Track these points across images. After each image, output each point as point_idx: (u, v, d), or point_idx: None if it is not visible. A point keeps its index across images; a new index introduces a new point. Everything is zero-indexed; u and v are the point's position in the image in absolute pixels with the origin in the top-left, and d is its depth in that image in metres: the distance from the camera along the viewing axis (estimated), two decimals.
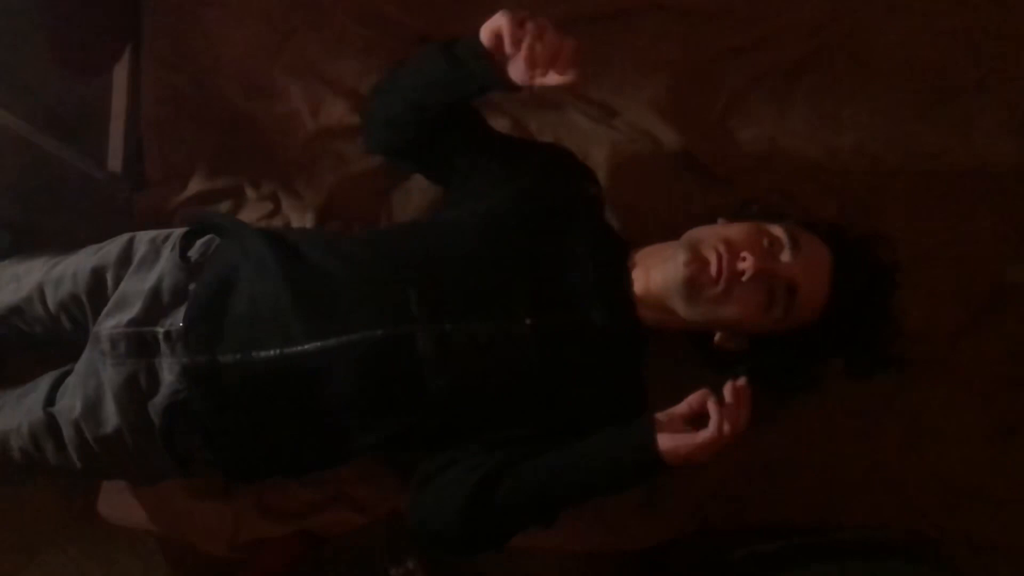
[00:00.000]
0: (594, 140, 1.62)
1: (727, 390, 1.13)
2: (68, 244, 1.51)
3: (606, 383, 1.30)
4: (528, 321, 1.23)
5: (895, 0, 1.66)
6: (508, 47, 1.13)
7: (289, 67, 1.66)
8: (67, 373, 1.40)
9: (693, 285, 1.19)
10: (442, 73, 1.24)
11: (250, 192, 1.65)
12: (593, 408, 1.28)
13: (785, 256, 1.20)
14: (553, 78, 1.12)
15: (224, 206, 1.64)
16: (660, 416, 1.17)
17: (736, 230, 1.23)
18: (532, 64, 1.11)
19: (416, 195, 1.63)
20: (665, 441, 1.14)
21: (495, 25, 1.15)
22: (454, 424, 1.29)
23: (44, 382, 1.40)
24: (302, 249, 1.33)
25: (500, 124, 1.63)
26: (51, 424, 1.33)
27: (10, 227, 1.61)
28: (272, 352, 1.25)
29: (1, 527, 1.78)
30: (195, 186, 1.65)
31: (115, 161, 1.69)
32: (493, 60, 1.17)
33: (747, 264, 1.17)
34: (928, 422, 1.54)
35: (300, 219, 1.63)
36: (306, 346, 1.24)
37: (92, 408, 1.30)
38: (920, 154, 1.63)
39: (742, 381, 1.13)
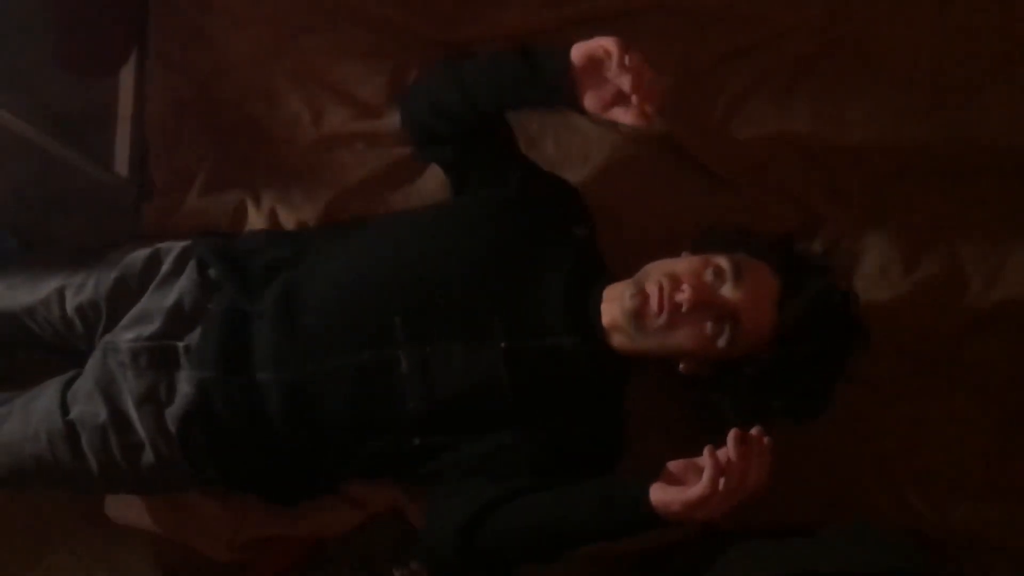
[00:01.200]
0: (596, 142, 1.63)
1: (729, 438, 1.08)
2: (75, 247, 1.53)
3: (581, 404, 1.35)
4: (503, 345, 1.30)
5: (897, 0, 1.65)
6: (614, 70, 1.15)
7: (291, 72, 1.67)
8: (72, 379, 1.42)
9: (638, 317, 1.25)
10: (516, 77, 1.28)
11: (250, 204, 1.65)
12: (569, 427, 1.34)
13: (727, 287, 1.24)
14: (630, 114, 1.18)
15: (225, 217, 1.65)
16: (673, 465, 1.15)
17: (682, 264, 1.29)
18: (634, 92, 1.14)
19: (417, 203, 1.63)
20: (657, 493, 1.12)
21: (598, 47, 1.17)
22: (434, 442, 1.34)
23: (51, 388, 1.42)
24: (296, 274, 1.40)
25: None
26: (70, 432, 1.35)
27: (16, 230, 1.62)
28: (269, 375, 1.32)
29: (9, 529, 1.78)
30: (196, 198, 1.65)
31: (121, 165, 1.70)
32: (575, 77, 1.20)
33: (684, 296, 1.21)
34: (929, 422, 1.53)
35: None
36: (299, 370, 1.31)
37: (119, 416, 1.35)
38: (924, 153, 1.62)
39: (756, 430, 1.10)
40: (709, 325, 1.24)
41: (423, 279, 1.36)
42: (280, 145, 1.68)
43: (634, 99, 1.15)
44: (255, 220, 1.64)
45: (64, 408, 1.37)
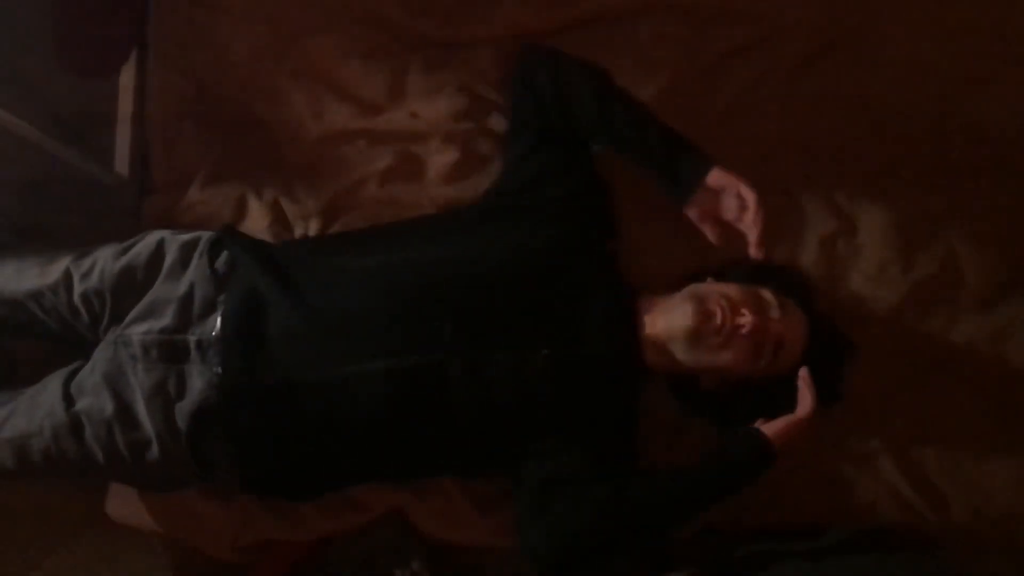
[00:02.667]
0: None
1: (806, 375, 1.36)
2: (76, 247, 1.52)
3: (607, 409, 1.43)
4: (545, 352, 1.36)
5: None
6: (742, 218, 1.36)
7: (293, 72, 1.67)
8: (74, 371, 1.43)
9: (698, 334, 1.35)
10: (654, 148, 1.42)
11: (253, 200, 1.65)
12: (596, 431, 1.41)
13: (774, 314, 1.37)
14: (717, 237, 1.41)
15: (227, 213, 1.64)
16: (758, 423, 1.36)
17: (734, 290, 1.40)
18: (752, 231, 1.34)
19: (418, 198, 1.63)
20: (770, 428, 1.34)
21: (736, 189, 1.36)
22: (474, 444, 1.41)
23: (54, 381, 1.42)
24: (331, 271, 1.41)
25: (504, 127, 1.64)
26: (75, 425, 1.36)
27: (16, 229, 1.62)
28: (302, 374, 1.33)
29: (10, 529, 1.79)
30: (199, 193, 1.65)
31: (122, 164, 1.70)
32: (702, 187, 1.38)
33: (746, 320, 1.33)
34: (928, 421, 1.53)
35: (303, 227, 1.64)
36: (344, 369, 1.33)
37: (125, 410, 1.35)
38: (924, 152, 1.63)
39: (804, 369, 1.37)
40: (756, 348, 1.36)
41: (471, 285, 1.40)
42: (282, 143, 1.68)
43: (752, 245, 1.36)
44: (258, 214, 1.64)
45: (68, 400, 1.38)
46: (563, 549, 1.32)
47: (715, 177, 1.38)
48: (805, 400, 1.35)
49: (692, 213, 1.42)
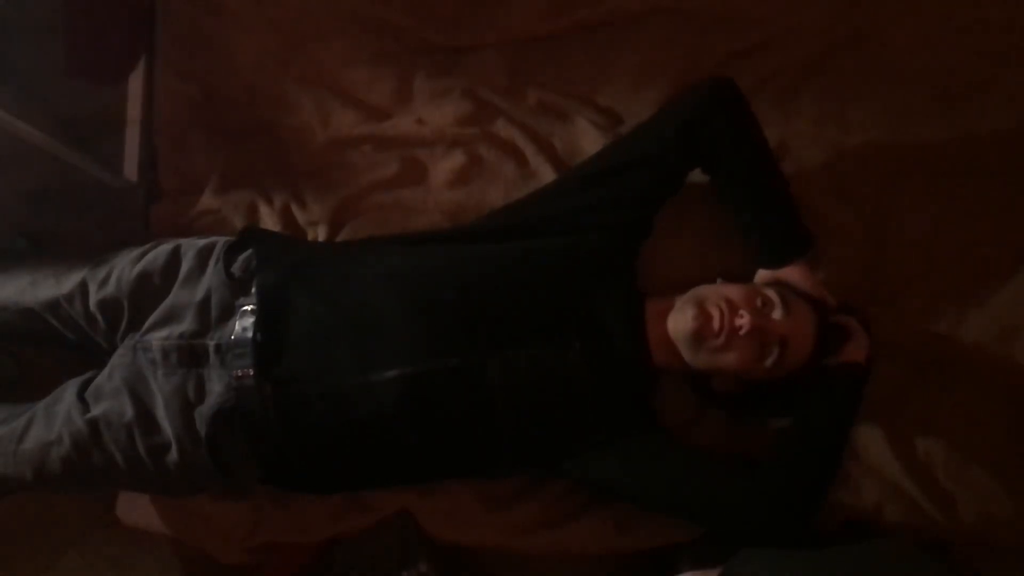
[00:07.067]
0: (600, 146, 1.63)
1: (854, 323, 1.44)
2: (85, 250, 1.53)
3: (620, 403, 1.42)
4: (577, 345, 1.38)
5: (901, 1, 1.66)
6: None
7: (299, 77, 1.68)
8: (89, 380, 1.44)
9: (698, 336, 1.35)
10: (772, 223, 1.47)
11: (263, 206, 1.66)
12: (608, 424, 1.41)
13: (777, 314, 1.36)
14: None
15: (238, 220, 1.65)
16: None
17: (735, 290, 1.39)
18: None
19: (423, 202, 1.64)
20: (847, 358, 1.40)
21: (811, 290, 1.44)
22: (510, 443, 1.40)
23: (69, 390, 1.43)
24: (357, 273, 1.42)
25: (509, 132, 1.65)
26: (93, 431, 1.36)
27: (26, 233, 1.63)
28: (340, 377, 1.34)
29: (22, 532, 1.79)
30: (208, 199, 1.66)
31: (130, 169, 1.71)
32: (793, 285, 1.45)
33: (744, 321, 1.33)
34: (938, 423, 1.52)
35: (312, 232, 1.65)
36: (375, 374, 1.33)
37: (145, 414, 1.36)
38: (928, 155, 1.62)
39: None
40: (760, 348, 1.35)
41: (499, 285, 1.41)
42: (290, 148, 1.69)
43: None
44: (268, 221, 1.65)
45: (84, 407, 1.38)
46: (806, 497, 1.34)
47: (792, 272, 1.45)
48: (859, 334, 1.41)
49: (764, 275, 1.48)
